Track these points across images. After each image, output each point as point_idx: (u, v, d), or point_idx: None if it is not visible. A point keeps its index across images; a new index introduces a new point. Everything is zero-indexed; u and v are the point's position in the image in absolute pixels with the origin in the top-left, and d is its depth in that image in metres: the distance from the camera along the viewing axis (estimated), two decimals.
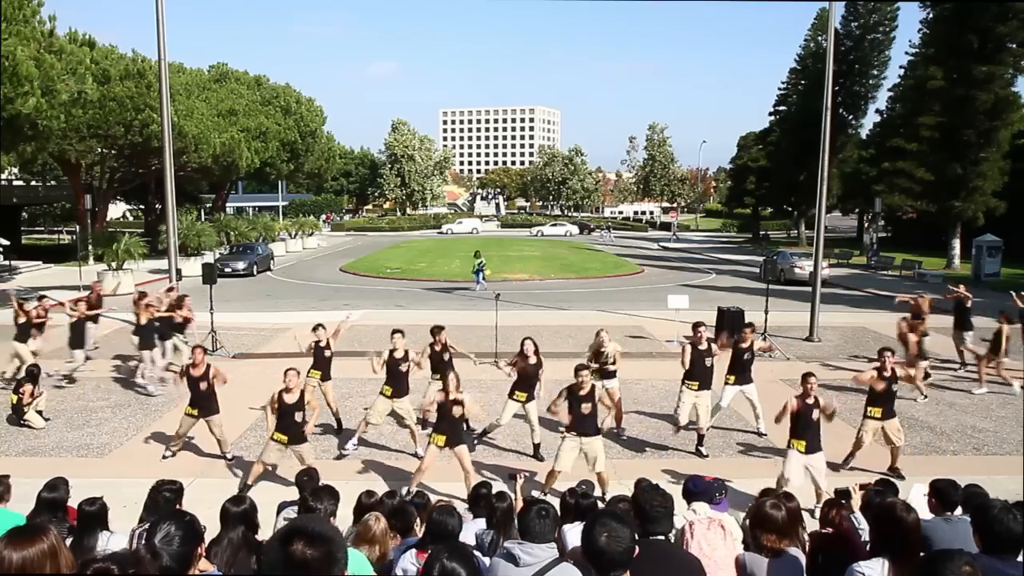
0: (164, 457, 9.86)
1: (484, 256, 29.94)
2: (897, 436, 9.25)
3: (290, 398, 8.48)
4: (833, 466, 9.46)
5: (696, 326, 10.48)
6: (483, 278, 28.36)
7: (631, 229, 78.45)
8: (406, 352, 10.07)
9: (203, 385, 9.60)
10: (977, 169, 34.77)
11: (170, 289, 15.29)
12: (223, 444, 9.81)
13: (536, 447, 9.99)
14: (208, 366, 9.73)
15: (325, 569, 2.05)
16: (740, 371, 10.78)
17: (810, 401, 8.10)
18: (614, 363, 10.58)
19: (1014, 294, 14.84)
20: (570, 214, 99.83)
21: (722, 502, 5.24)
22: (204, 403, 9.62)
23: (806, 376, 8.31)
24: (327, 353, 10.94)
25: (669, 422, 10.89)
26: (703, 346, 10.16)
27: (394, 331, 10.33)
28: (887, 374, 9.21)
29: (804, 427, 8.12)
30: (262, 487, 8.49)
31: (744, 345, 10.78)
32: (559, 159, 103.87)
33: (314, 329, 11.04)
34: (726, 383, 10.86)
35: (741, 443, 10.78)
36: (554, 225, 74.38)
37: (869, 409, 9.29)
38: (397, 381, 9.94)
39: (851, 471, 9.27)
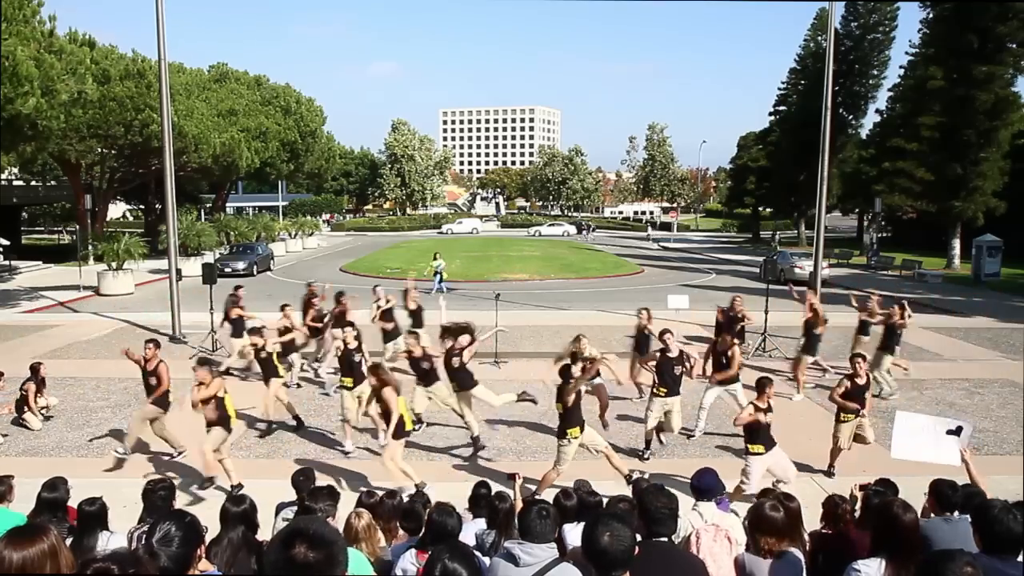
0: (174, 457, 9.81)
1: (443, 257, 27.93)
2: (869, 433, 9.31)
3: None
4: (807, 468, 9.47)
5: (663, 333, 10.12)
6: (442, 281, 26.71)
7: (630, 229, 78.46)
8: (359, 344, 10.41)
9: (153, 380, 9.65)
10: (977, 169, 34.78)
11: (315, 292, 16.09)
12: (170, 441, 9.72)
13: (474, 440, 10.01)
14: (160, 362, 9.69)
15: (327, 570, 2.06)
16: (721, 371, 10.56)
17: (763, 405, 8.04)
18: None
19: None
20: (570, 214, 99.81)
21: (723, 501, 5.22)
22: (155, 397, 9.63)
23: (764, 382, 8.18)
24: (263, 355, 11.05)
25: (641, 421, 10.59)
26: (672, 353, 9.84)
27: (347, 323, 10.68)
28: (860, 380, 9.21)
29: (758, 432, 8.07)
30: (262, 487, 8.44)
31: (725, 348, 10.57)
32: (559, 159, 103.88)
33: (251, 333, 11.24)
34: (709, 383, 10.72)
35: (733, 444, 10.72)
36: (551, 225, 74.61)
37: (842, 414, 9.25)
38: (352, 371, 10.16)
39: (847, 473, 9.25)
